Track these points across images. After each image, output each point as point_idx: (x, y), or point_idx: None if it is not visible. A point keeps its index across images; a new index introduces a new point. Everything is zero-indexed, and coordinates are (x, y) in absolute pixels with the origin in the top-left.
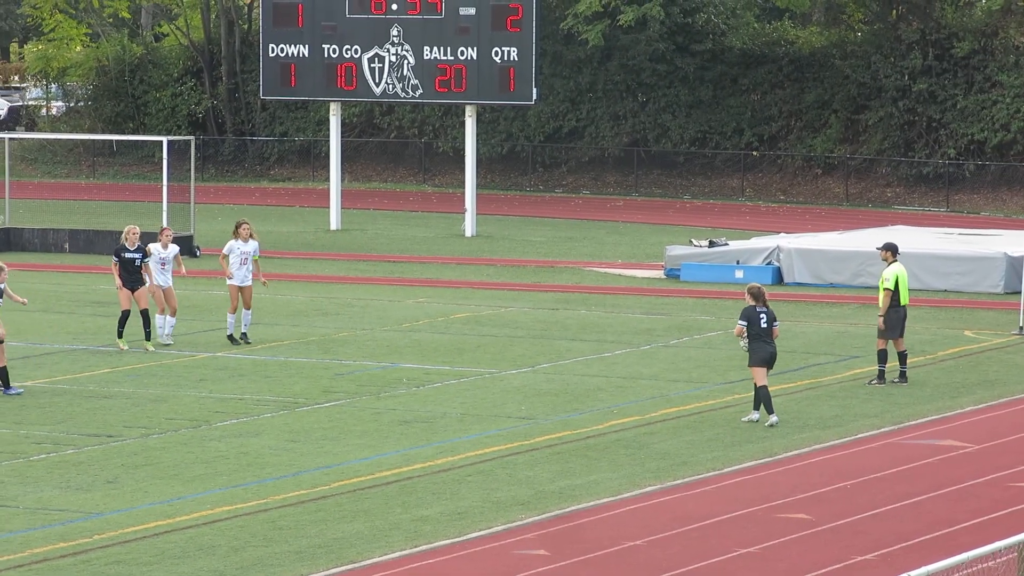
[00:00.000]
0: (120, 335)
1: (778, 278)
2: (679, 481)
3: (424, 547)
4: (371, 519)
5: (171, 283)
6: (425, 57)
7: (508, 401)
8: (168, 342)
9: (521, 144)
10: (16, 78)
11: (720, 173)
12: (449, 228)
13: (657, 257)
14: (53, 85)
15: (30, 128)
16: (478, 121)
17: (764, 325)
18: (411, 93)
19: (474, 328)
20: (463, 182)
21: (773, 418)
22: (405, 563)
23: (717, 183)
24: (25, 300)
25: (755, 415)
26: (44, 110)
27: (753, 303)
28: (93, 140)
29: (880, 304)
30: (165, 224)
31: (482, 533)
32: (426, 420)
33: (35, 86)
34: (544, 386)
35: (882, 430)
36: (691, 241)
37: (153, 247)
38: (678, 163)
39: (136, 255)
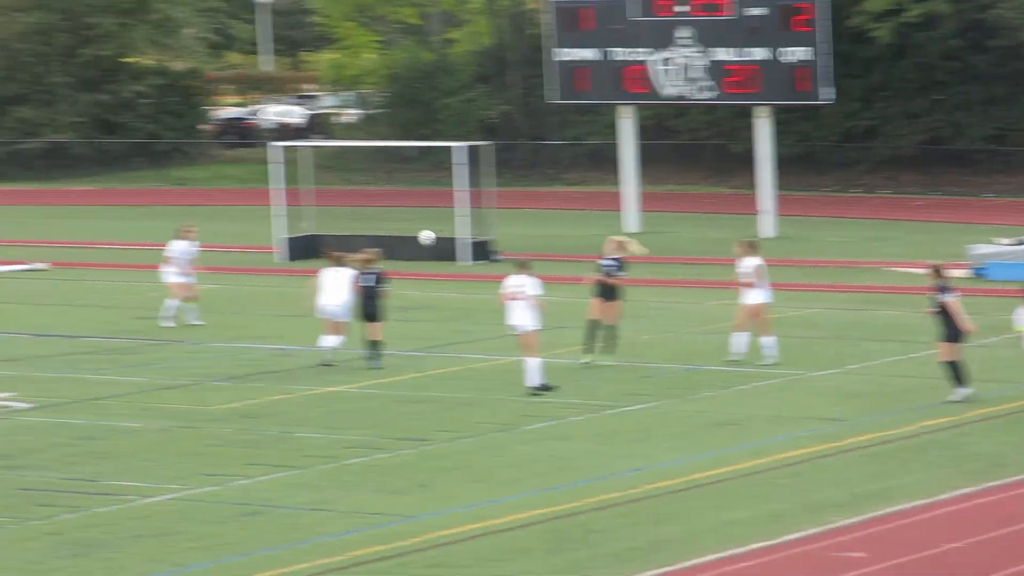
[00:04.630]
0: (588, 349)
1: None
2: (996, 483)
3: (738, 550)
4: (684, 522)
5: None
6: (715, 59)
7: (816, 402)
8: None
9: (816, 144)
10: (310, 87)
11: (1020, 170)
12: (745, 230)
13: (959, 256)
14: (347, 93)
15: (326, 136)
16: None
17: None
18: (701, 95)
19: (777, 329)
20: (758, 183)
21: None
22: (720, 566)
23: (1018, 180)
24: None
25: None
26: (340, 117)
27: None
28: (389, 147)
29: None
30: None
31: (798, 535)
32: (735, 422)
33: (328, 94)
34: (854, 387)
35: None
36: (993, 240)
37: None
38: (976, 161)
39: (612, 265)
